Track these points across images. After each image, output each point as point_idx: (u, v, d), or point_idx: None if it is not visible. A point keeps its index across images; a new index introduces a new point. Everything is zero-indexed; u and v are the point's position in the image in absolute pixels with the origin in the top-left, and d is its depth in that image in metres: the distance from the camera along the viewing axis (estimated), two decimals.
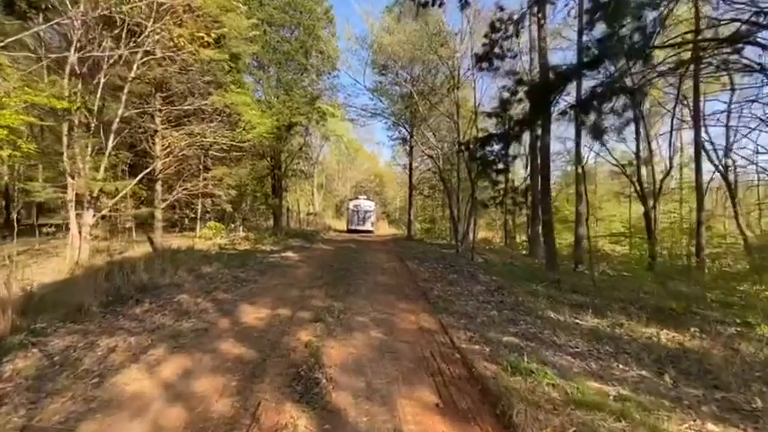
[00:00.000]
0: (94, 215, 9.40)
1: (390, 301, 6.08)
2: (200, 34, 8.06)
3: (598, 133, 4.96)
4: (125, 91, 9.68)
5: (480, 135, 7.37)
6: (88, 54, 8.41)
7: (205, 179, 11.78)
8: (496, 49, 6.37)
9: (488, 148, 6.74)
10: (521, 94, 6.20)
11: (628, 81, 7.15)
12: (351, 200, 32.84)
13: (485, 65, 6.61)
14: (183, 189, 11.60)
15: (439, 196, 28.30)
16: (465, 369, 3.42)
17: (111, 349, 3.87)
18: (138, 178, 9.90)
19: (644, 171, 15.80)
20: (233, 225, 14.63)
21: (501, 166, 7.10)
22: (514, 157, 6.94)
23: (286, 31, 16.14)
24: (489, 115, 7.47)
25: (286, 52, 15.05)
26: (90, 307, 4.95)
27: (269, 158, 16.80)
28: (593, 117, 4.91)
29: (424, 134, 16.65)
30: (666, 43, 7.02)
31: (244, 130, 10.86)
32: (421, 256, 11.62)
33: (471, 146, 7.56)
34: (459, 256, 11.72)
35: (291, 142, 17.74)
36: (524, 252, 16.09)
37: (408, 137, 20.50)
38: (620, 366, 3.51)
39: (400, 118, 17.83)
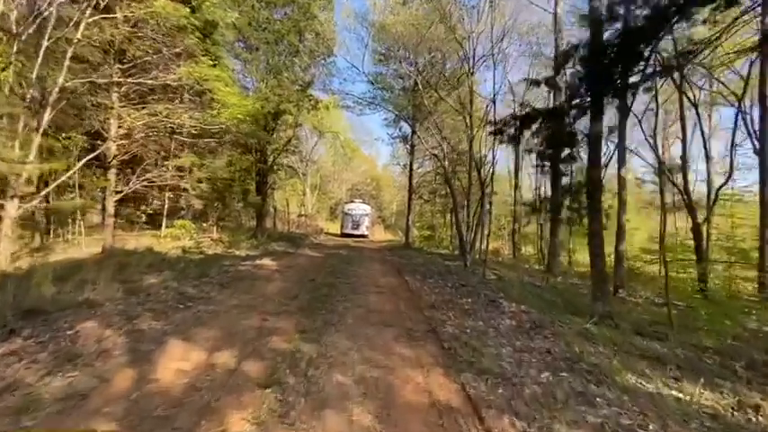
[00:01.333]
0: (20, 206, 7.57)
1: (386, 341, 4.33)
2: None
3: None
4: (68, 55, 7.91)
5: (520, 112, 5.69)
6: None
7: (169, 169, 9.98)
8: None
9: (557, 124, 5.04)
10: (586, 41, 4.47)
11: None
12: (346, 203, 31.46)
13: None
14: (143, 180, 9.80)
15: (440, 201, 26.65)
16: None
17: None
18: (80, 163, 8.14)
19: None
20: (205, 225, 12.82)
21: (567, 151, 5.40)
22: (589, 136, 5.20)
23: (278, 10, 14.44)
24: (537, 83, 5.80)
25: (276, 31, 13.36)
26: None
27: (254, 151, 15.04)
28: None
29: (429, 129, 14.88)
30: None
31: (216, 111, 9.10)
32: (422, 270, 9.88)
33: (505, 127, 5.87)
34: (467, 271, 9.99)
35: (279, 134, 15.99)
36: (537, 266, 14.42)
37: (410, 134, 18.80)
38: None
39: (402, 110, 16.12)
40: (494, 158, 9.24)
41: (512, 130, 5.88)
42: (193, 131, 9.39)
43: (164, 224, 11.85)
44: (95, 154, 8.43)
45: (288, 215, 25.19)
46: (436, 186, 24.27)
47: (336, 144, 38.38)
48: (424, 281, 8.20)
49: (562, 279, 9.93)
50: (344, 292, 6.78)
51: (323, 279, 7.91)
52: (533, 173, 21.05)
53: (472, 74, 11.24)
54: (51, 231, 10.66)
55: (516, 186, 17.04)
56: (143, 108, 9.29)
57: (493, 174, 10.72)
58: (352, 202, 30.23)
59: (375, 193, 52.50)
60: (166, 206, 11.80)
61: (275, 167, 16.01)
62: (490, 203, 11.09)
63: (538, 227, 17.41)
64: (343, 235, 27.43)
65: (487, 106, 11.68)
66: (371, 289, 7.24)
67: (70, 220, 11.23)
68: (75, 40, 7.89)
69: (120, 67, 9.30)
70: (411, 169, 19.98)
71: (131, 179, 9.60)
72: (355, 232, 27.13)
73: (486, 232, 13.39)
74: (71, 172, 8.21)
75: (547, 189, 16.47)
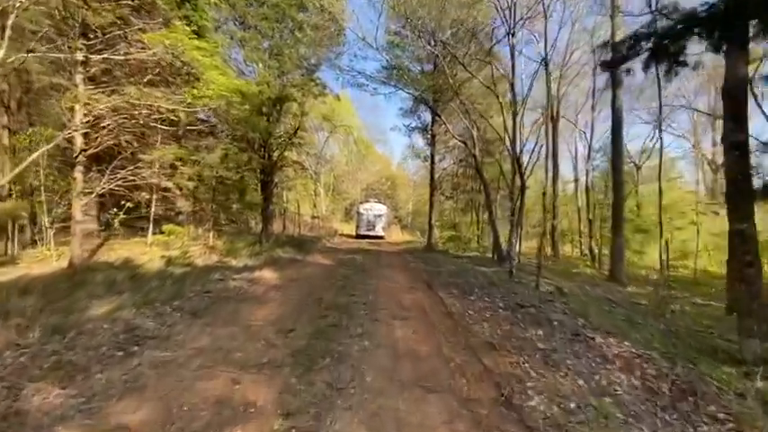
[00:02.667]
0: None
1: (434, 429, 2.50)
2: None
3: None
4: (8, 23, 6.39)
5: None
6: None
7: (150, 165, 8.41)
8: None
9: None
10: None
11: None
12: (360, 203, 29.94)
13: None
14: (120, 178, 8.27)
15: (462, 197, 24.55)
16: None
17: None
18: (31, 158, 6.60)
19: None
20: (200, 230, 11.25)
21: None
22: (727, 82, 3.24)
23: None
24: None
25: (275, 5, 11.71)
26: None
27: (256, 146, 13.46)
28: None
29: (455, 114, 12.76)
30: None
31: (198, 90, 7.43)
32: (458, 281, 8.01)
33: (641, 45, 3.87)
34: (514, 282, 8.06)
35: (284, 124, 14.35)
36: (588, 269, 12.33)
37: (431, 121, 16.84)
38: None
39: (423, 92, 14.06)
40: (554, 123, 7.24)
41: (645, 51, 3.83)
42: (173, 117, 7.79)
43: (150, 230, 10.34)
44: (50, 146, 6.90)
45: (299, 217, 23.63)
46: (459, 181, 22.24)
47: (349, 141, 36.95)
48: (464, 298, 6.33)
49: (636, 289, 7.91)
50: (360, 319, 4.99)
51: (332, 298, 6.13)
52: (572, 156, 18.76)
53: (513, 35, 9.27)
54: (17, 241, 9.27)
55: (555, 178, 14.94)
56: (112, 92, 7.74)
57: (555, 152, 8.74)
58: (366, 201, 28.70)
59: (390, 192, 50.94)
60: (153, 209, 10.28)
61: (281, 164, 14.34)
62: (553, 190, 9.02)
63: (585, 223, 15.21)
64: (359, 236, 26.25)
65: (538, 68, 9.75)
66: (397, 313, 5.42)
67: (45, 228, 9.82)
68: (17, 4, 6.38)
69: (85, 42, 7.79)
70: (432, 162, 17.95)
71: (107, 176, 8.07)
72: (371, 233, 25.93)
73: (521, 231, 11.40)
74: (20, 168, 6.70)
75: None
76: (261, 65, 11.60)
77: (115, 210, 8.69)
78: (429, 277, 8.73)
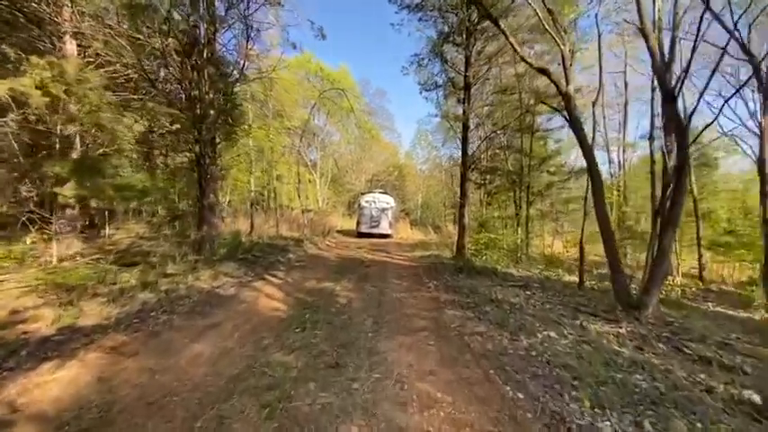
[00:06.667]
0: None
1: None
2: None
3: None
4: None
5: None
6: None
7: None
8: None
9: None
10: None
11: None
12: (362, 194, 24.63)
13: None
14: None
15: (490, 188, 18.51)
16: None
17: None
18: None
19: None
20: (45, 236, 5.82)
21: None
22: None
23: None
24: None
25: None
26: None
27: (183, 95, 8.09)
28: None
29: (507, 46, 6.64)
30: None
31: None
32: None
33: None
34: None
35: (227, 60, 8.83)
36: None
37: (464, 67, 10.90)
38: None
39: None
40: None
41: None
42: None
43: None
44: None
45: (280, 211, 18.26)
46: (498, 163, 16.24)
47: (350, 124, 31.73)
48: None
49: None
50: None
51: None
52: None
53: None
54: None
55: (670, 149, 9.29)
56: None
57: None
58: (370, 192, 23.46)
59: (398, 183, 45.57)
60: None
61: (224, 125, 8.72)
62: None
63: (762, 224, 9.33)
64: (360, 234, 21.50)
65: None
66: None
67: None
68: None
69: None
70: (465, 129, 11.82)
71: None
72: (375, 231, 21.28)
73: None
74: None
75: None
76: None
77: None
78: (531, 408, 3.10)
